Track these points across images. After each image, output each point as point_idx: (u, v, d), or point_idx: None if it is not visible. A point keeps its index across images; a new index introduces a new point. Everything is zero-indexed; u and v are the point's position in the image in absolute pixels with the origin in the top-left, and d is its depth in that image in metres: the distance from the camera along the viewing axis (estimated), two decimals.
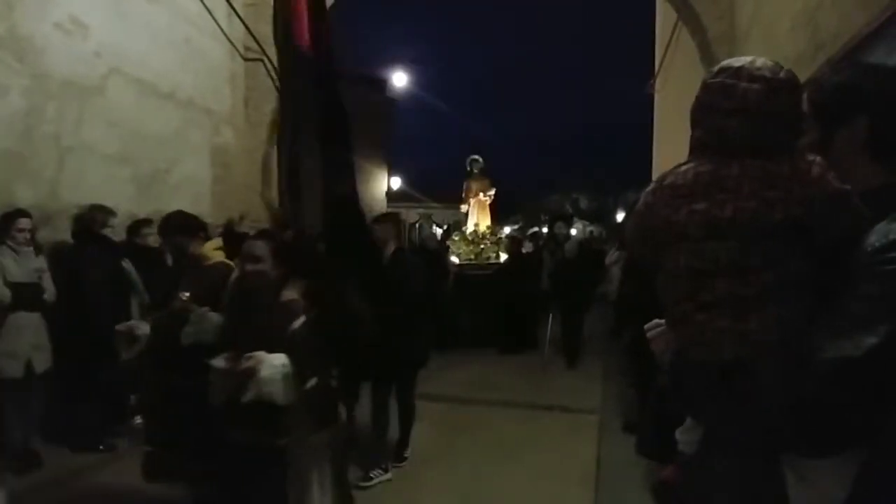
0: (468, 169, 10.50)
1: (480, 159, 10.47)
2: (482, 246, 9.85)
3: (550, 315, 7.87)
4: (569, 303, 7.73)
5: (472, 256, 9.72)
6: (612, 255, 7.38)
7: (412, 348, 4.21)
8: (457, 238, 10.20)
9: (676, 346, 1.32)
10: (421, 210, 16.51)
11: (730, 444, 1.23)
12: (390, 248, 4.17)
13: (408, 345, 4.10)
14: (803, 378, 1.03)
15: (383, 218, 4.52)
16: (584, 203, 34.90)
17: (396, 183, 27.34)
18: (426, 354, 4.47)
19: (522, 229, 19.49)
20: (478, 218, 10.34)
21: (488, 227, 10.25)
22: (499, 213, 12.00)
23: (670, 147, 10.70)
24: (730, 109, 1.20)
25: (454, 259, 9.51)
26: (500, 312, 8.40)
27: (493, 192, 10.42)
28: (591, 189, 34.49)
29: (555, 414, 5.57)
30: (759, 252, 1.13)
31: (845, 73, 1.23)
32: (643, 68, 15.42)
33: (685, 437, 1.58)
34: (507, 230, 16.69)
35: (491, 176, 10.59)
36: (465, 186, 10.54)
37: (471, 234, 10.08)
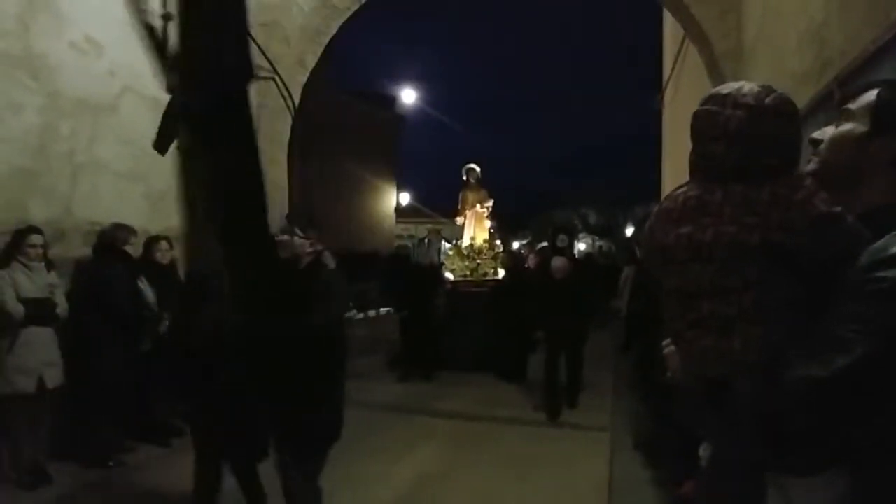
0: (464, 178, 9.70)
1: (477, 168, 9.67)
2: (478, 261, 9.00)
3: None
4: (557, 335, 6.13)
5: (468, 272, 8.88)
6: (625, 272, 7.33)
7: (328, 411, 2.86)
8: (451, 253, 9.37)
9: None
10: (429, 225, 16.51)
11: (720, 460, 1.25)
12: (305, 260, 2.99)
13: (321, 406, 2.82)
14: (776, 396, 1.02)
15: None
16: (593, 218, 34.90)
17: (405, 198, 27.49)
18: (341, 421, 2.93)
19: (531, 244, 19.48)
20: (474, 231, 9.44)
21: (485, 241, 9.34)
22: (507, 228, 11.80)
23: (678, 162, 10.66)
24: (714, 136, 1.24)
25: (448, 275, 8.78)
26: (496, 335, 7.64)
27: (490, 202, 9.57)
28: (600, 204, 34.47)
29: (565, 431, 5.52)
30: (739, 274, 1.15)
31: None
32: (651, 83, 15.47)
33: (707, 453, 1.60)
34: (515, 245, 16.66)
35: (497, 189, 9.89)
36: (460, 197, 9.69)
37: (466, 248, 9.21)
